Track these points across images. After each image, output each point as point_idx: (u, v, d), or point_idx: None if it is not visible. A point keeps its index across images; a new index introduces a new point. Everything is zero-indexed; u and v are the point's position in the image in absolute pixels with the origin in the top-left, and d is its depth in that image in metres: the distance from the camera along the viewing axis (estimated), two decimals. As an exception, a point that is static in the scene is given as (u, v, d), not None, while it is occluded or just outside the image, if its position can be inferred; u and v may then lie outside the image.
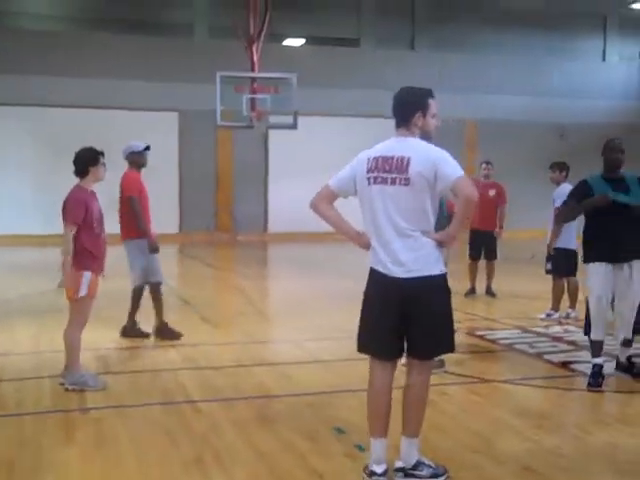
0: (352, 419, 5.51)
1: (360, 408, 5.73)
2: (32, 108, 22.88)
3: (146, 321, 8.70)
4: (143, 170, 8.82)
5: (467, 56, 27.21)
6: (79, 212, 6.32)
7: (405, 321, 4.29)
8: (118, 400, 6.08)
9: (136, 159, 8.56)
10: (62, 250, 6.33)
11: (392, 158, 4.30)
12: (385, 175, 4.29)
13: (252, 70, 20.90)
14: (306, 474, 4.54)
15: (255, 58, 20.94)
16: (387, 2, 27.40)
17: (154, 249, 8.33)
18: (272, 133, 23.49)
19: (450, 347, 4.48)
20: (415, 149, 4.30)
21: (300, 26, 27.07)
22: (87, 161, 6.61)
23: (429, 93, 4.50)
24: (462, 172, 4.24)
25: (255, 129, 20.26)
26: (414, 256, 4.24)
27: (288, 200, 24.24)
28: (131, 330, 8.54)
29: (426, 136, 4.44)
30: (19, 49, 22.68)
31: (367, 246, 4.42)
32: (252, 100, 19.89)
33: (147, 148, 8.65)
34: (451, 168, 4.24)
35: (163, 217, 24.02)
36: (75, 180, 6.79)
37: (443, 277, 4.35)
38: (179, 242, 23.06)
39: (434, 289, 4.31)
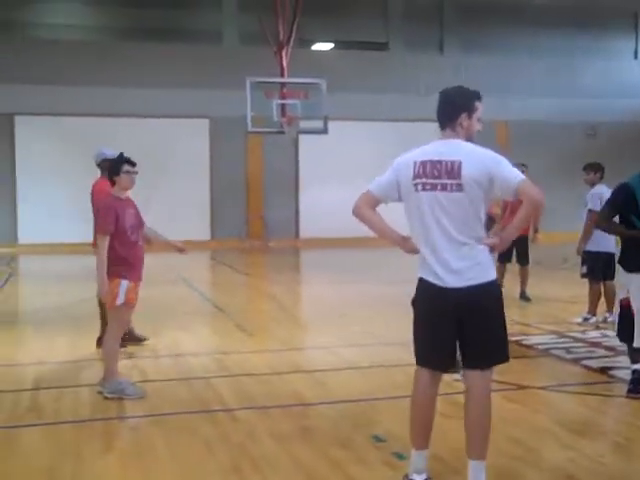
0: (390, 427, 5.48)
1: (398, 416, 5.73)
2: (65, 118, 23.15)
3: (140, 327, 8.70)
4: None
5: (497, 58, 27.08)
6: (109, 220, 6.35)
7: (461, 330, 4.14)
8: (156, 408, 6.09)
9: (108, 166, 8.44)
10: (96, 259, 6.36)
11: (441, 162, 4.09)
12: (435, 181, 4.09)
13: (282, 75, 20.95)
14: (345, 483, 4.53)
15: (284, 63, 20.99)
16: (415, 5, 27.35)
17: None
18: (302, 138, 23.52)
19: (505, 356, 4.30)
20: (465, 152, 4.11)
21: (329, 30, 27.11)
22: (110, 172, 6.70)
23: (476, 95, 4.29)
24: (522, 175, 4.08)
25: (286, 134, 20.29)
26: (468, 264, 4.08)
27: (319, 205, 24.31)
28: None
29: (468, 139, 4.27)
30: (52, 60, 22.95)
31: (413, 250, 4.26)
32: (282, 105, 19.95)
33: (121, 155, 8.55)
34: (510, 171, 4.07)
35: (194, 224, 24.26)
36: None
37: (496, 284, 4.23)
38: (211, 249, 23.16)
39: (490, 296, 4.18)
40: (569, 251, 11.55)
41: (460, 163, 4.05)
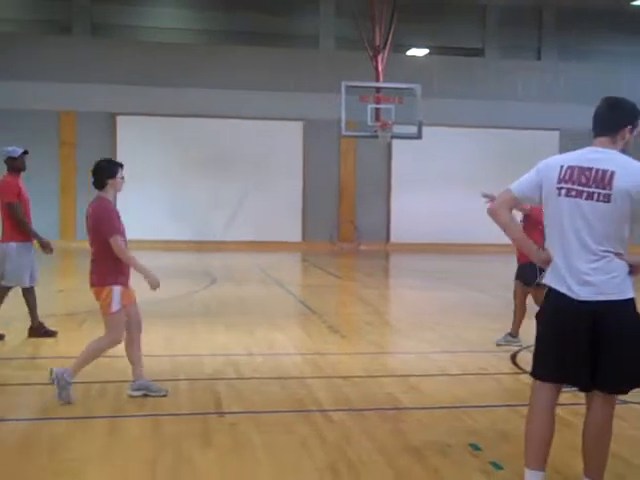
0: (486, 435, 5.44)
1: (493, 425, 5.70)
2: (165, 118, 23.74)
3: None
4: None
5: (596, 64, 26.50)
6: (117, 222, 6.27)
7: (594, 349, 3.90)
8: (252, 406, 6.19)
9: (13, 164, 8.62)
10: (132, 266, 6.32)
11: (591, 170, 3.90)
12: (581, 188, 3.89)
13: (377, 80, 21.03)
14: (442, 489, 4.51)
15: (380, 68, 21.05)
16: (513, 11, 27.01)
17: (49, 247, 8.66)
18: (395, 143, 23.49)
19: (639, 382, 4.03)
20: (621, 163, 3.89)
21: (424, 36, 27.05)
22: (105, 174, 6.45)
23: None
24: None
25: (379, 139, 20.32)
26: (604, 278, 3.86)
27: (411, 210, 24.26)
28: (38, 330, 8.74)
29: (623, 153, 4.03)
30: (153, 62, 23.57)
31: (548, 261, 4.08)
32: (376, 110, 20.01)
33: (25, 153, 8.71)
34: None
35: (286, 225, 24.53)
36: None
37: (634, 303, 3.95)
38: (302, 251, 23.36)
39: (626, 315, 3.92)
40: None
41: (613, 173, 3.85)
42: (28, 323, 9.00)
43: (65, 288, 14.06)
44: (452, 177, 25.14)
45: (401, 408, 6.25)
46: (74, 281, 16.02)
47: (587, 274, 3.90)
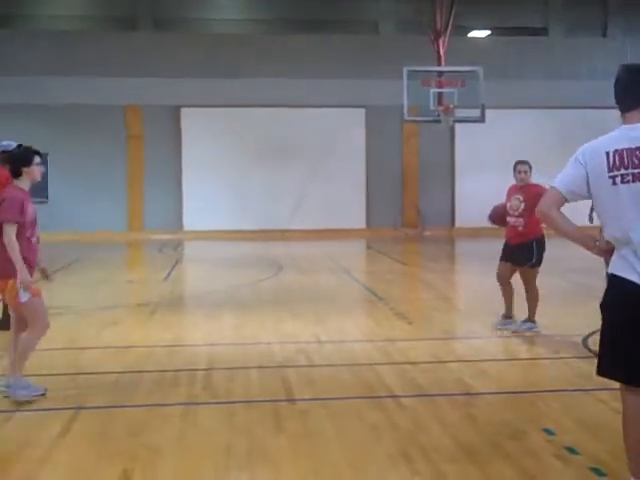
0: (559, 420, 5.40)
1: (566, 410, 5.65)
2: (229, 109, 23.98)
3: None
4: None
5: (665, 41, 25.81)
6: (16, 211, 5.92)
7: None
8: (323, 392, 6.25)
9: (6, 157, 8.39)
10: (13, 259, 5.87)
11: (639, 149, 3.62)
12: (636, 171, 3.61)
13: (438, 64, 20.86)
14: (518, 474, 4.48)
15: (441, 51, 20.89)
16: (577, -13, 26.47)
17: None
18: (458, 127, 23.27)
19: None
20: None
21: (485, 17, 26.67)
22: (19, 162, 6.16)
23: None
24: None
25: (442, 123, 20.17)
26: None
27: (475, 195, 23.97)
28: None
29: None
30: (216, 53, 23.79)
31: (608, 253, 3.80)
32: (439, 94, 19.86)
33: (19, 146, 8.48)
34: None
35: (351, 212, 24.54)
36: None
37: None
38: (366, 237, 23.37)
39: None
40: None
41: None
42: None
43: (135, 279, 14.33)
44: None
45: (472, 393, 6.23)
46: (143, 272, 16.34)
47: None
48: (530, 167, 8.72)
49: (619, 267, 3.74)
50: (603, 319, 3.84)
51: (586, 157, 3.77)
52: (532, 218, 8.25)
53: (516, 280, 8.82)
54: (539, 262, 8.62)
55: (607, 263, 3.84)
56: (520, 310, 8.85)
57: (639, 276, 3.64)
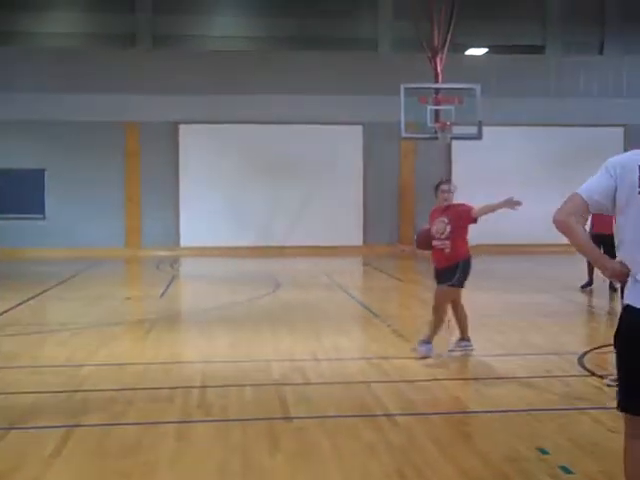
0: (554, 439, 5.39)
1: (560, 429, 5.64)
2: (225, 125, 24.02)
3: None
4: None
5: (661, 59, 25.96)
6: None
7: None
8: (319, 410, 6.24)
9: None
10: None
11: None
12: None
13: (436, 81, 20.94)
14: (511, 494, 4.49)
15: (439, 69, 20.97)
16: (574, 6, 26.60)
17: None
18: (455, 144, 23.32)
19: None
20: None
21: (483, 35, 26.78)
22: None
23: None
24: None
25: (439, 140, 20.23)
26: None
27: (472, 212, 24.01)
28: None
29: None
30: (213, 70, 23.88)
31: (624, 276, 3.49)
32: (436, 111, 19.93)
33: None
34: None
35: (347, 229, 24.57)
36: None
37: None
38: (363, 254, 23.39)
39: None
40: None
41: None
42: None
43: (132, 296, 14.32)
44: (514, 177, 24.83)
45: (467, 412, 6.24)
46: (140, 289, 16.33)
47: None
48: (454, 187, 8.45)
49: (630, 293, 3.47)
50: (618, 354, 3.58)
51: (617, 170, 3.52)
52: (458, 240, 8.12)
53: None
54: (460, 283, 8.34)
55: (612, 284, 3.72)
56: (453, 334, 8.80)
57: None
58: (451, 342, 8.60)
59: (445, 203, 8.33)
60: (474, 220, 8.20)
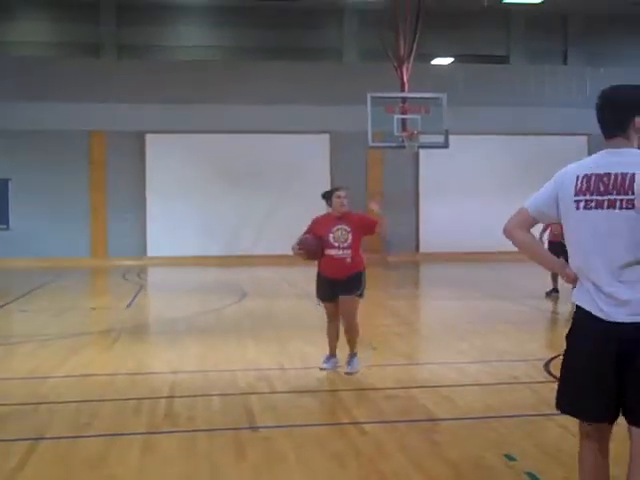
0: (520, 445, 5.43)
1: (527, 435, 5.67)
2: (192, 135, 23.97)
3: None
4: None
5: (623, 69, 26.29)
6: None
7: (624, 377, 3.42)
8: (286, 419, 6.22)
9: None
10: None
11: (609, 175, 3.44)
12: (600, 197, 3.44)
13: (402, 90, 21.01)
14: (478, 500, 4.51)
15: (405, 78, 21.05)
16: (537, 17, 26.94)
17: None
18: (423, 153, 23.47)
19: None
20: None
21: (448, 45, 27.06)
22: None
23: None
24: None
25: (406, 149, 20.32)
26: (638, 297, 3.38)
27: (439, 220, 24.20)
28: None
29: None
30: (180, 80, 23.81)
31: (575, 280, 3.61)
32: (403, 120, 20.00)
33: None
34: None
35: (315, 238, 24.58)
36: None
37: None
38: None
39: None
40: None
41: (633, 175, 3.39)
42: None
43: (97, 306, 14.19)
44: (481, 185, 25.08)
45: (434, 419, 6.25)
46: (106, 299, 16.19)
47: (618, 292, 3.40)
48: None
49: (578, 294, 3.60)
50: (566, 351, 3.68)
51: (562, 179, 3.63)
52: (358, 249, 7.90)
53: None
54: (363, 293, 8.14)
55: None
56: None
57: (597, 308, 3.47)
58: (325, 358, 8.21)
59: (343, 209, 8.02)
60: (373, 233, 8.05)
